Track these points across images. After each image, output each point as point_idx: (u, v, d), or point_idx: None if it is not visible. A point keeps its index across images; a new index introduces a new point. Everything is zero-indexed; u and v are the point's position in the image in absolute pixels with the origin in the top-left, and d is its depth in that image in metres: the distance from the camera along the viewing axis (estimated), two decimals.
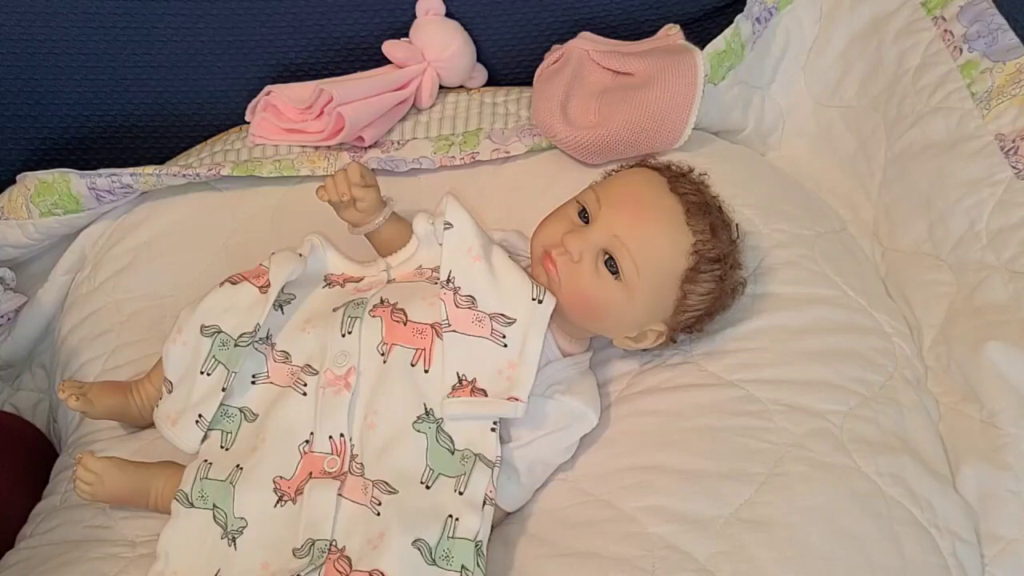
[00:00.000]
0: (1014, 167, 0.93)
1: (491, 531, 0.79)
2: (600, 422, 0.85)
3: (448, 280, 0.83)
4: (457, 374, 0.80)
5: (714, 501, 0.80)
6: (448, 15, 1.11)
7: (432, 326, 0.82)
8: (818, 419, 0.85)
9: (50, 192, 1.01)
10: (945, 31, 1.02)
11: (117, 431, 0.95)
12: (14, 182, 1.04)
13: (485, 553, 0.77)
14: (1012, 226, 0.92)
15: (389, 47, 1.08)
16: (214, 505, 0.80)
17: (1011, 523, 0.81)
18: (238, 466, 0.81)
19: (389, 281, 0.90)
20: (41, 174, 1.01)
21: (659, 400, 0.88)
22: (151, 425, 0.89)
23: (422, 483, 0.78)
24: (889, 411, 0.87)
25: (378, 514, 0.77)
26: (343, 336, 0.83)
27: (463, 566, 0.75)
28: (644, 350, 0.89)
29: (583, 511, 0.82)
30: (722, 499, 0.80)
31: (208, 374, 0.84)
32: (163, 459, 0.86)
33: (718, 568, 0.77)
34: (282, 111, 1.07)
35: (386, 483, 0.79)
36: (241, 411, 0.84)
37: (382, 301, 0.85)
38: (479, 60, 1.14)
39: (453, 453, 0.79)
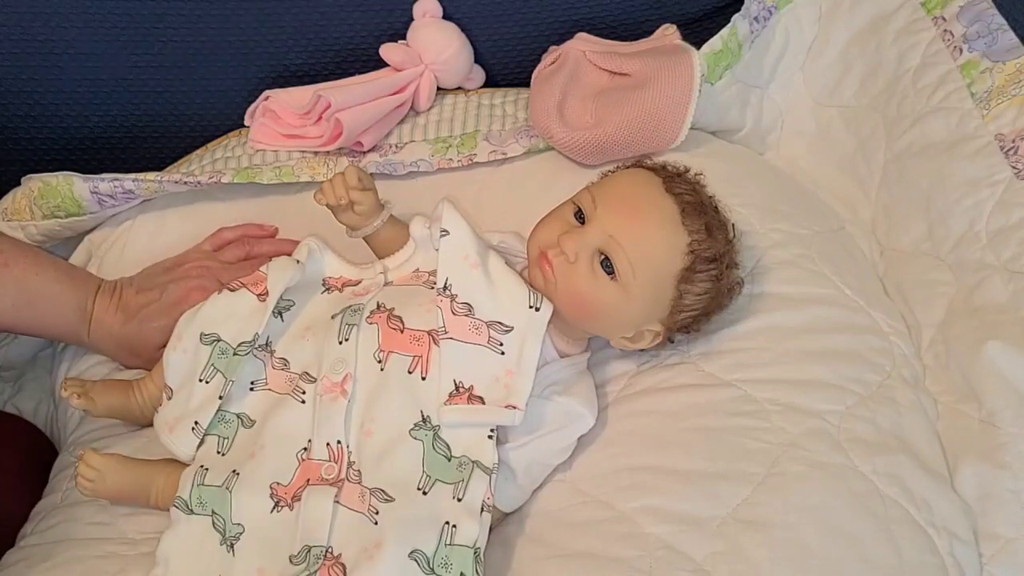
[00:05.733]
0: (1014, 167, 0.93)
1: (489, 532, 0.79)
2: (598, 422, 0.86)
3: (445, 287, 0.83)
4: (454, 381, 0.80)
5: (711, 501, 0.80)
6: (445, 17, 1.10)
7: (429, 333, 0.82)
8: (815, 419, 0.85)
9: (53, 195, 1.01)
10: (945, 31, 1.02)
11: (119, 428, 0.96)
12: (17, 183, 1.04)
13: (483, 560, 0.77)
14: (1012, 226, 0.92)
15: (386, 50, 1.07)
16: (213, 511, 0.80)
17: (1010, 522, 0.82)
18: (235, 471, 0.81)
19: (386, 283, 0.90)
20: (45, 176, 1.01)
21: (656, 400, 0.88)
22: (152, 423, 0.89)
23: (419, 489, 0.78)
24: (886, 410, 0.87)
25: (376, 523, 0.77)
26: (340, 343, 0.83)
27: (462, 573, 0.75)
28: (641, 350, 0.89)
29: (581, 512, 0.83)
30: (719, 499, 0.81)
31: (206, 382, 0.84)
32: (164, 457, 0.87)
33: (715, 568, 0.77)
34: (281, 116, 1.07)
35: (383, 491, 0.78)
36: (239, 417, 0.85)
37: (379, 306, 0.85)
38: (477, 61, 1.13)
39: (450, 460, 0.79)
